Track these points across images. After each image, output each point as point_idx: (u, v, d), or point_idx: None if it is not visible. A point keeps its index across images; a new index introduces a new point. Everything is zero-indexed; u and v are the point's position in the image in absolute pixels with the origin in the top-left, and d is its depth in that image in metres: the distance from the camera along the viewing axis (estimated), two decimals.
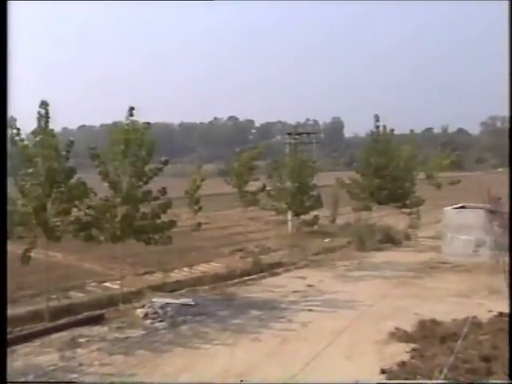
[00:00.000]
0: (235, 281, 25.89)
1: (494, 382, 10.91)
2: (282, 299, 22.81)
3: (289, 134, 42.84)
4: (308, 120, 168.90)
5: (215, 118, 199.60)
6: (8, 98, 8.91)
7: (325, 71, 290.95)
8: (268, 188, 34.76)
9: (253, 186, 36.87)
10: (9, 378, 15.19)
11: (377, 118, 35.40)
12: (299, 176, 31.75)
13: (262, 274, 27.24)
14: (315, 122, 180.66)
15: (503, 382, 10.78)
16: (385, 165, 34.74)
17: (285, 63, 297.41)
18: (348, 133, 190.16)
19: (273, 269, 28.32)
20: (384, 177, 34.61)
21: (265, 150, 41.17)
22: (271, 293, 23.86)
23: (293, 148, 38.97)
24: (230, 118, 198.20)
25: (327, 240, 36.33)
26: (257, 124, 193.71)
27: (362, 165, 36.05)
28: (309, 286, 24.96)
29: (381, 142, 35.18)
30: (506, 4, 13.19)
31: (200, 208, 29.09)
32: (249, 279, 26.36)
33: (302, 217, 33.20)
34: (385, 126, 35.63)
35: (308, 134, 46.36)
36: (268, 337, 18.28)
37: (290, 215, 34.90)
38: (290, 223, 36.51)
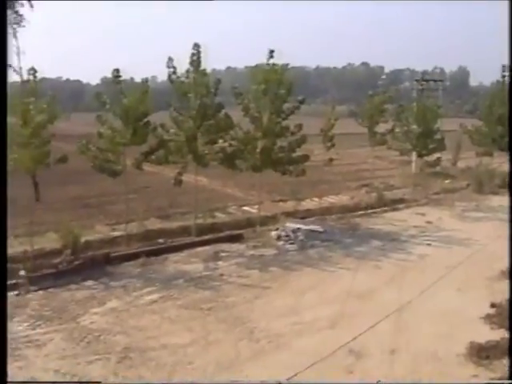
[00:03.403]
0: (360, 212, 25.74)
1: (494, 382, 10.44)
2: (402, 232, 22.50)
3: (416, 80, 41.35)
4: (435, 68, 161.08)
5: (348, 64, 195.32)
6: (7, 96, 8.70)
7: (453, 19, 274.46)
8: (395, 130, 33.97)
9: (381, 127, 36.11)
10: (163, 279, 16.39)
11: (504, 68, 33.22)
12: (424, 120, 30.67)
13: (384, 208, 26.88)
14: (442, 70, 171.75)
15: (503, 381, 10.26)
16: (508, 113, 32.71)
17: (417, 11, 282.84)
18: (473, 82, 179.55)
19: (395, 204, 27.85)
20: (506, 125, 32.65)
21: (394, 94, 40.04)
22: (392, 226, 23.58)
23: (419, 94, 37.64)
24: (363, 63, 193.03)
25: (448, 181, 35.09)
26: (386, 70, 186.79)
27: (485, 112, 34.20)
28: (428, 222, 24.40)
29: (506, 92, 33.09)
30: (506, 4, 12.47)
31: (332, 145, 28.88)
32: (372, 212, 26.12)
33: (426, 158, 32.16)
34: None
35: (435, 81, 44.38)
36: (387, 265, 18.22)
37: (414, 156, 33.92)
38: (413, 163, 35.52)
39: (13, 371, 10.80)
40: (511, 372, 9.88)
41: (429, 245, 20.66)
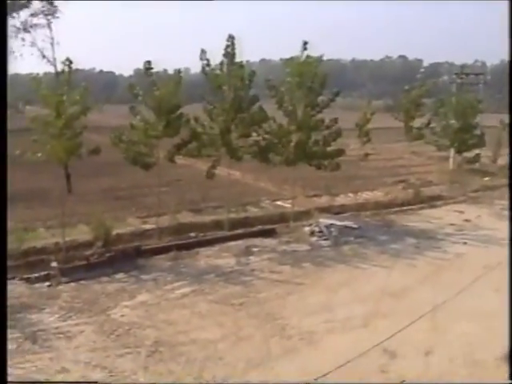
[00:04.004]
0: (395, 209, 25.46)
1: (494, 382, 10.20)
2: (439, 230, 22.17)
3: (456, 74, 40.73)
4: (476, 61, 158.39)
5: (386, 56, 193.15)
6: (7, 95, 8.68)
7: (495, 11, 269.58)
8: (432, 125, 33.47)
9: (418, 122, 35.63)
10: (194, 274, 16.45)
11: None
12: (463, 115, 30.21)
13: (421, 205, 26.51)
14: (483, 63, 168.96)
15: (503, 382, 9.99)
16: None
17: (457, 4, 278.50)
18: None
19: (432, 201, 27.45)
20: None
21: (432, 88, 39.39)
22: (428, 223, 23.24)
23: (459, 88, 37.04)
24: (400, 56, 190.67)
25: (487, 178, 34.45)
26: (425, 64, 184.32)
27: None
28: (465, 220, 24.00)
29: None
30: (506, 4, 12.18)
31: (368, 140, 28.53)
32: (408, 209, 25.80)
33: (464, 154, 31.72)
34: None
35: (475, 74, 43.62)
36: (423, 263, 17.96)
37: (452, 152, 33.46)
38: (451, 159, 35.05)
39: (44, 362, 10.98)
40: (511, 372, 9.73)
41: (466, 244, 20.32)
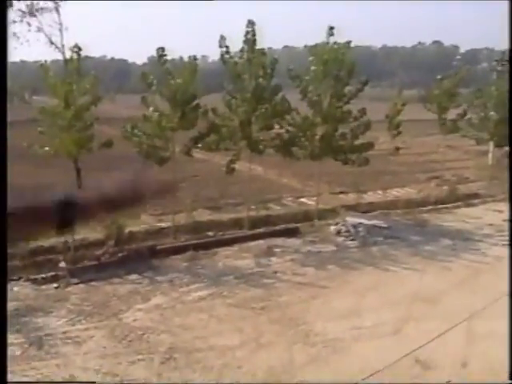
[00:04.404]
0: (429, 208, 25.26)
1: (494, 382, 10.23)
2: (476, 231, 21.92)
3: (496, 60, 40.16)
4: None
5: (419, 43, 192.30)
6: (6, 93, 8.80)
7: None
8: (469, 116, 33.14)
9: (453, 113, 35.35)
10: (212, 275, 16.47)
11: None
12: (504, 105, 29.86)
13: (456, 204, 26.25)
14: None
15: (503, 382, 9.86)
16: None
17: None
18: None
19: (469, 199, 27.19)
20: None
21: (468, 76, 39.06)
22: (465, 223, 23.02)
23: (500, 76, 36.57)
24: (434, 42, 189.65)
25: None
26: (462, 50, 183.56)
27: None
28: (505, 220, 23.74)
29: None
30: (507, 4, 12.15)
31: (399, 133, 28.36)
32: (443, 207, 25.58)
33: (506, 148, 31.37)
34: None
35: None
36: (459, 267, 17.76)
37: (491, 146, 33.08)
38: (490, 154, 34.64)
39: (51, 369, 11.05)
40: (511, 372, 9.70)
41: (506, 246, 20.09)
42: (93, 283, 15.68)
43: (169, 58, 19.66)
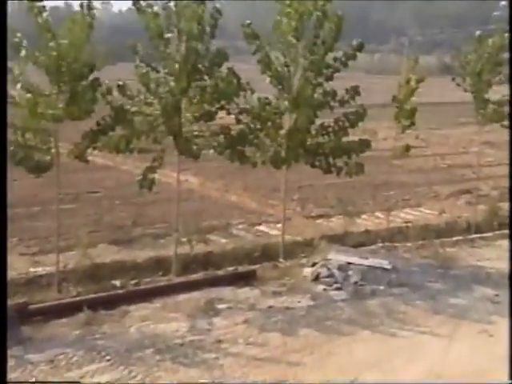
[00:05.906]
0: (457, 238, 25.59)
1: (494, 382, 11.59)
2: None
3: None
4: None
5: None
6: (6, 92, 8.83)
7: None
8: None
9: (497, 92, 35.59)
10: (120, 349, 16.25)
11: None
12: None
13: (499, 232, 26.61)
14: None
15: (503, 382, 11.51)
16: None
17: None
18: None
19: None
20: None
21: None
22: None
23: None
24: None
25: None
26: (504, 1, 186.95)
27: None
28: None
29: None
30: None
31: (412, 123, 28.31)
32: (479, 237, 25.93)
33: None
34: None
35: None
36: (504, 330, 17.82)
37: None
38: None
39: None
40: (511, 371, 10.06)
41: None
42: None
43: (49, 3, 19.34)
